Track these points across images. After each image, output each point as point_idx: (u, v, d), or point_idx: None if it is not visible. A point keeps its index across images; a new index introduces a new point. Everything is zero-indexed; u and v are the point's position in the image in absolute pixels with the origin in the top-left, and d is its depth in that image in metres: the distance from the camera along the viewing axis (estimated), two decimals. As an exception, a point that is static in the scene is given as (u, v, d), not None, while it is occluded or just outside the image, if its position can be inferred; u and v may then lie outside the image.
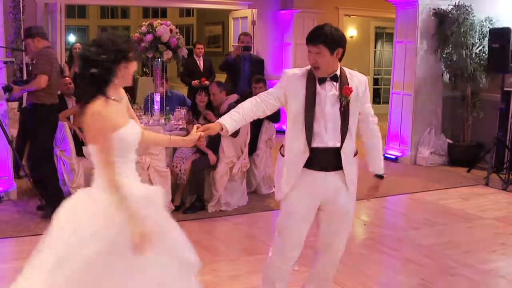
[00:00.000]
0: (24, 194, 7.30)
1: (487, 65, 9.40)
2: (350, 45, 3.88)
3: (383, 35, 18.68)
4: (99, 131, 3.05)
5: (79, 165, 7.03)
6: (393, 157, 10.34)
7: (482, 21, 9.61)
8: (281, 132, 6.29)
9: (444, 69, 10.23)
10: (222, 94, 7.25)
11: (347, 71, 3.81)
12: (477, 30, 9.60)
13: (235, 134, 6.61)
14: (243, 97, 6.90)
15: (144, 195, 3.19)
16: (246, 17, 12.37)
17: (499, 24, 9.38)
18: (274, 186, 4.85)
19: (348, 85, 3.72)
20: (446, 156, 10.16)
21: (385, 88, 17.44)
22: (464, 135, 10.10)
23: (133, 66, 3.17)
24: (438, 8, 9.98)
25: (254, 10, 12.29)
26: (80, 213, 3.12)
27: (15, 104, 8.32)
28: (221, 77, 9.70)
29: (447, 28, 9.77)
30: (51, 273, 3.00)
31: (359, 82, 3.80)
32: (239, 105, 3.78)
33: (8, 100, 7.37)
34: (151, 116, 7.58)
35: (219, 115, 6.17)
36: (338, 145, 3.73)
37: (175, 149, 7.14)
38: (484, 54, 9.60)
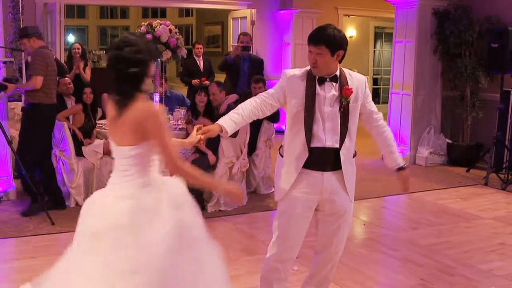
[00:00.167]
0: (23, 194, 7.29)
1: (486, 65, 9.41)
2: (349, 45, 3.88)
3: (382, 35, 18.69)
4: (162, 126, 3.07)
5: (79, 165, 7.04)
6: (393, 157, 10.33)
7: (481, 20, 9.62)
8: (280, 132, 6.30)
9: (443, 69, 10.25)
10: (222, 94, 7.26)
11: (346, 71, 3.82)
12: (476, 30, 9.60)
13: (235, 134, 6.61)
14: (242, 97, 6.91)
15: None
16: (246, 17, 12.37)
17: (498, 24, 9.39)
18: (273, 186, 4.86)
19: (347, 85, 3.73)
20: (445, 156, 10.17)
21: (385, 88, 17.47)
22: (463, 135, 10.11)
23: (154, 66, 3.26)
24: (437, 8, 10.00)
25: (253, 10, 12.30)
26: (135, 220, 3.05)
27: (14, 104, 8.32)
28: (221, 77, 9.71)
29: (446, 28, 9.78)
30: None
31: (359, 82, 3.81)
32: (238, 106, 3.79)
33: (9, 100, 7.38)
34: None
35: (218, 115, 6.18)
36: (337, 145, 3.73)
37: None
38: (483, 54, 9.61)
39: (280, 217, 3.89)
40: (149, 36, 7.25)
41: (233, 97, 7.59)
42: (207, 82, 9.54)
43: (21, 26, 9.17)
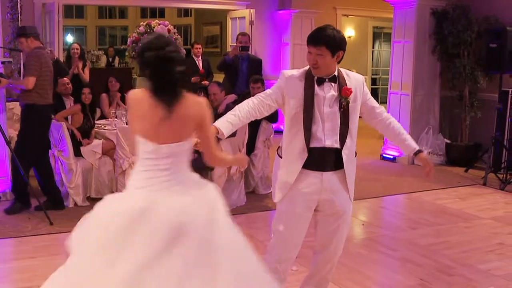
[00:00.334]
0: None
1: (485, 65, 9.41)
2: (348, 45, 3.88)
3: (381, 35, 18.72)
4: (210, 119, 3.21)
5: (77, 165, 7.04)
6: (391, 157, 10.36)
7: (479, 20, 9.62)
8: (279, 132, 6.31)
9: (441, 69, 10.26)
10: (222, 94, 7.27)
11: (344, 71, 3.82)
12: (475, 30, 9.61)
13: (233, 134, 6.60)
14: (241, 97, 6.92)
15: None
16: (244, 17, 12.38)
17: (496, 24, 9.40)
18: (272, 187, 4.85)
19: (346, 86, 3.73)
20: (444, 156, 10.17)
21: (383, 88, 17.49)
22: (462, 135, 10.11)
23: None
24: (436, 8, 10.00)
25: (252, 10, 12.30)
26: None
27: (13, 105, 8.32)
28: (219, 77, 9.71)
29: (445, 28, 9.79)
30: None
31: (357, 82, 3.82)
32: (236, 107, 3.78)
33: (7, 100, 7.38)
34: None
35: (217, 115, 6.18)
36: (336, 145, 3.74)
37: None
38: (481, 54, 9.62)
39: (280, 217, 3.90)
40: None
41: (232, 97, 7.59)
42: (206, 82, 9.54)
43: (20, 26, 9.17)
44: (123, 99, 8.37)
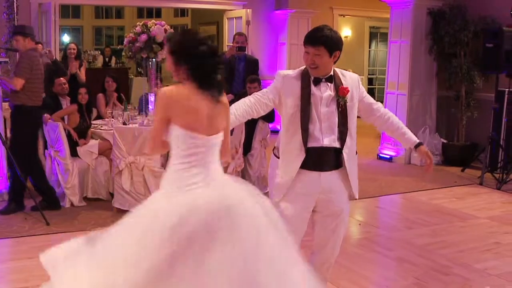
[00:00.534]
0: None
1: (481, 65, 9.42)
2: (344, 45, 3.88)
3: (377, 35, 18.73)
4: None
5: (73, 166, 7.03)
6: (388, 157, 10.37)
7: (476, 20, 9.63)
8: (275, 132, 6.30)
9: (438, 69, 10.27)
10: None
11: (339, 71, 3.84)
12: (471, 30, 9.62)
13: (230, 133, 6.61)
14: (237, 97, 6.89)
15: None
16: (241, 17, 12.37)
17: (493, 24, 9.41)
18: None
19: (342, 85, 3.74)
20: (440, 156, 10.19)
21: (380, 88, 17.49)
22: (458, 134, 10.13)
23: None
24: (432, 8, 10.01)
25: (248, 10, 12.30)
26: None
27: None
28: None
29: (442, 28, 9.80)
30: None
31: (352, 81, 3.83)
32: (232, 105, 3.77)
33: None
34: (146, 116, 7.57)
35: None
36: (334, 144, 3.74)
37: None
38: (478, 54, 9.63)
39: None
40: (144, 36, 7.24)
41: (229, 97, 7.54)
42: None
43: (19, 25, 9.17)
44: (119, 99, 8.37)
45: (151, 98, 7.62)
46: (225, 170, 6.91)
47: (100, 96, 8.34)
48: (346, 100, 3.74)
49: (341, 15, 14.86)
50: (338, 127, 3.74)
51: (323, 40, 3.64)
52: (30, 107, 6.66)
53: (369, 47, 18.74)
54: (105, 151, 7.26)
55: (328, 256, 4.02)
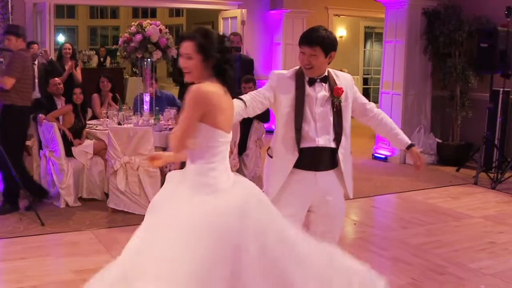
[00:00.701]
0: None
1: (476, 65, 9.44)
2: (339, 45, 3.90)
3: (372, 35, 18.75)
4: None
5: (68, 166, 7.02)
6: (383, 156, 10.38)
7: (470, 20, 9.65)
8: (270, 132, 6.30)
9: (433, 68, 10.29)
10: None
11: (332, 71, 3.85)
12: (466, 30, 9.63)
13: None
14: (232, 97, 6.90)
15: None
16: (236, 17, 12.37)
17: (487, 24, 9.42)
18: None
19: (337, 85, 3.75)
20: (435, 156, 10.20)
21: (375, 88, 17.53)
22: (453, 134, 10.15)
23: None
24: (427, 8, 10.03)
25: (243, 10, 12.30)
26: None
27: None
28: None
29: (436, 28, 9.82)
30: None
31: (346, 81, 3.84)
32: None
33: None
34: (141, 116, 7.57)
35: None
36: (329, 144, 3.75)
37: (165, 150, 7.13)
38: (473, 54, 9.64)
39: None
40: (139, 36, 7.23)
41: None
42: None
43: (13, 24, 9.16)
44: (114, 99, 8.36)
45: (146, 98, 7.62)
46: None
47: (95, 96, 8.33)
48: (340, 100, 3.75)
49: (336, 15, 14.87)
50: (333, 127, 3.76)
51: (319, 41, 3.65)
52: (20, 107, 6.68)
53: (364, 47, 18.76)
54: (100, 151, 7.25)
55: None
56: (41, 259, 5.36)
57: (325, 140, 3.74)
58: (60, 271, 5.12)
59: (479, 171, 8.83)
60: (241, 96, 3.81)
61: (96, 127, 7.57)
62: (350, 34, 17.81)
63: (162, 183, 7.04)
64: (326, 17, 13.99)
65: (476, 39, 9.38)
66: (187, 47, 3.12)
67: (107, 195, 7.00)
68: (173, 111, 7.62)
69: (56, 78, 8.04)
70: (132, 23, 7.51)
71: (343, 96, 3.76)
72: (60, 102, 7.82)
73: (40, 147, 7.37)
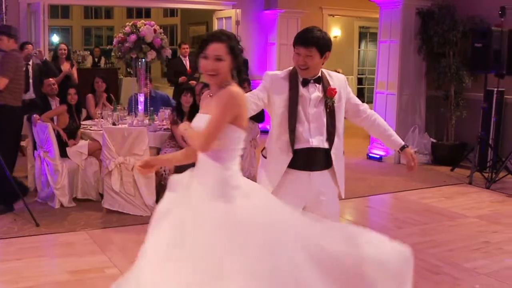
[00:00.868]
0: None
1: (470, 65, 9.46)
2: (334, 45, 3.90)
3: (367, 35, 18.77)
4: None
5: (63, 166, 7.00)
6: (377, 156, 10.39)
7: (464, 20, 9.67)
8: (265, 132, 6.30)
9: (427, 68, 10.30)
10: (208, 94, 7.25)
11: (326, 72, 3.85)
12: (460, 30, 9.65)
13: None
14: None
15: None
16: (230, 17, 12.36)
17: (481, 24, 9.44)
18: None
19: (330, 86, 3.75)
20: (430, 155, 10.21)
21: (369, 88, 17.54)
22: (448, 134, 10.16)
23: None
24: (422, 8, 10.05)
25: (238, 10, 12.29)
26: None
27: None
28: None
29: (430, 28, 9.83)
30: None
31: (340, 82, 3.85)
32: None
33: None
34: (135, 117, 7.56)
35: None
36: (323, 145, 3.76)
37: (159, 150, 7.13)
38: (467, 54, 9.66)
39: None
40: (133, 36, 7.22)
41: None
42: (193, 82, 9.54)
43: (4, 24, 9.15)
44: (109, 100, 8.35)
45: (141, 98, 7.61)
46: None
47: (90, 96, 8.31)
48: (334, 101, 3.76)
49: (331, 15, 14.88)
50: (326, 127, 3.76)
51: (314, 41, 3.66)
52: (13, 107, 6.70)
53: (359, 47, 18.78)
54: (95, 151, 7.24)
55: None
56: (36, 260, 5.35)
57: (318, 140, 3.75)
58: (55, 272, 5.10)
59: (473, 171, 8.85)
60: None
61: (91, 127, 7.56)
62: (344, 34, 17.83)
63: (157, 184, 7.06)
64: (320, 17, 14.00)
65: (470, 39, 9.40)
66: (218, 48, 3.06)
67: (101, 195, 6.99)
68: (167, 111, 7.62)
69: (50, 79, 8.03)
70: (127, 23, 7.50)
71: (336, 97, 3.77)
72: (54, 103, 7.80)
73: (35, 148, 7.36)
